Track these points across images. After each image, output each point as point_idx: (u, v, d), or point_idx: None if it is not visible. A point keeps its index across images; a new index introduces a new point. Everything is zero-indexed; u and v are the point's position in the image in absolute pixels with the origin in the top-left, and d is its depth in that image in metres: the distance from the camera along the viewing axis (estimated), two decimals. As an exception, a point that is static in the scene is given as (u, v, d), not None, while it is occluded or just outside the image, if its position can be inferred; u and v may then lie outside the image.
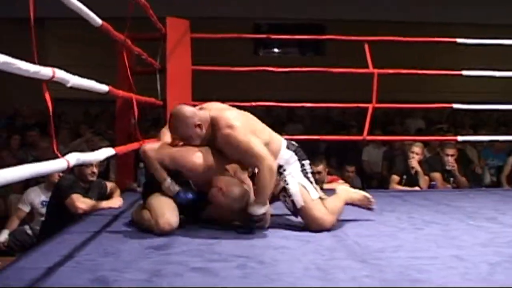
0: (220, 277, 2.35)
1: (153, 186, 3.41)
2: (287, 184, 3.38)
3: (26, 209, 5.25)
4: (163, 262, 2.61)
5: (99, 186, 4.45)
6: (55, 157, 2.15)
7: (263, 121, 3.53)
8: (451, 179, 6.10)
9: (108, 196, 4.42)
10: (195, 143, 3.36)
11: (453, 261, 2.60)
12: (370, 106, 5.50)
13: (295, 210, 3.39)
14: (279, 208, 3.57)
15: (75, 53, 12.92)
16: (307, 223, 3.36)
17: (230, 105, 3.64)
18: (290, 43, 14.20)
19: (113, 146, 3.60)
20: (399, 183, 6.11)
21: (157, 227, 3.23)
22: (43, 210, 4.87)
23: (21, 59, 1.80)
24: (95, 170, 4.27)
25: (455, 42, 5.77)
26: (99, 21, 2.98)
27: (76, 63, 12.28)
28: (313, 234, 3.25)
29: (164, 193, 3.34)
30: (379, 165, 8.14)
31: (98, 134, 8.45)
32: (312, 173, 3.55)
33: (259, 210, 3.22)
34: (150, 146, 3.40)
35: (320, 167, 5.39)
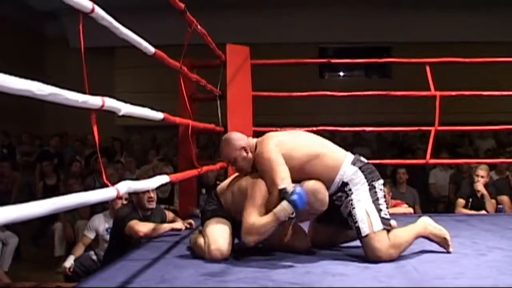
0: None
1: (210, 212, 3.42)
2: (353, 208, 3.22)
3: (91, 235, 5.32)
4: (219, 290, 2.58)
5: (160, 213, 4.49)
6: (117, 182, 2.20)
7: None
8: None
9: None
10: (241, 166, 3.40)
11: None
12: (432, 129, 5.39)
13: (359, 238, 3.23)
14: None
15: (144, 80, 13.23)
16: (365, 252, 3.22)
17: (292, 129, 3.63)
18: (355, 66, 14.11)
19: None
20: (465, 206, 5.94)
21: (208, 254, 3.22)
22: (108, 237, 4.94)
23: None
24: (152, 195, 4.29)
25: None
26: (152, 49, 3.02)
27: (143, 90, 12.69)
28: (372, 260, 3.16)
29: (220, 220, 3.35)
30: (446, 189, 7.95)
31: (167, 160, 8.57)
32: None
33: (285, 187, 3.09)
34: None
35: (384, 191, 5.28)
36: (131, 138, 12.21)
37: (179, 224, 4.25)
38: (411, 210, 5.65)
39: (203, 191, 5.40)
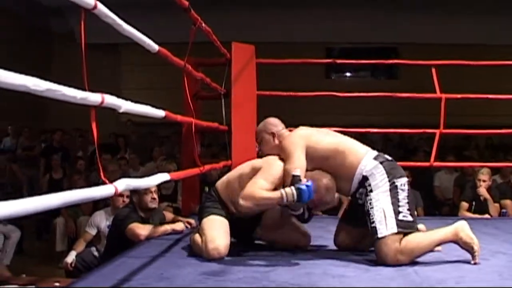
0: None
1: (208, 209, 3.43)
2: (372, 208, 3.16)
3: (93, 232, 5.31)
4: (217, 289, 2.57)
5: (159, 214, 4.46)
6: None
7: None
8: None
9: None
10: (264, 148, 3.56)
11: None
12: (437, 131, 5.36)
13: (373, 239, 3.15)
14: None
15: (148, 77, 13.22)
16: (375, 254, 3.16)
17: None
18: (362, 66, 14.07)
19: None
20: (469, 210, 5.92)
21: (206, 253, 3.22)
22: (109, 234, 4.92)
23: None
24: (155, 196, 4.24)
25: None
26: (155, 47, 3.01)
27: (150, 87, 12.68)
28: (373, 262, 3.14)
29: (217, 218, 3.36)
30: (451, 191, 7.91)
31: (171, 157, 8.55)
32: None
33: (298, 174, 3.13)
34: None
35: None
36: (134, 134, 12.16)
37: (179, 225, 4.17)
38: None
39: (206, 189, 5.37)
